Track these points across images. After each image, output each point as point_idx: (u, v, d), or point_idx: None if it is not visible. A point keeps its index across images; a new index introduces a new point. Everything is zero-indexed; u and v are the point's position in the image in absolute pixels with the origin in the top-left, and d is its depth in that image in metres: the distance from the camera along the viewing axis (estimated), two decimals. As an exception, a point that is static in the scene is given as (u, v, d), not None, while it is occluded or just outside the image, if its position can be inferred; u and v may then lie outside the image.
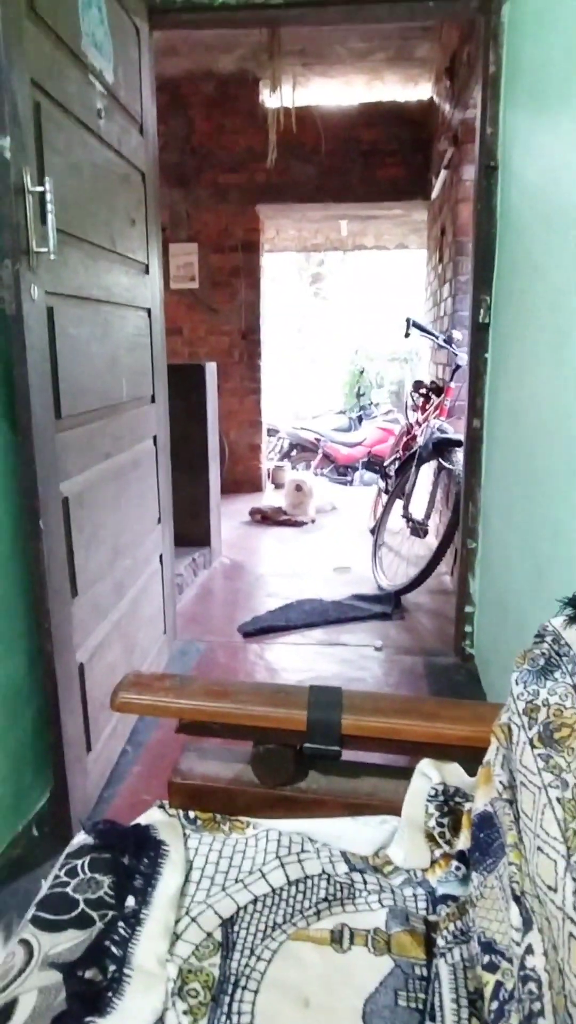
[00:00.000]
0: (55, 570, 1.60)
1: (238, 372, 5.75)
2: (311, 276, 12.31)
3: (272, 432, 7.35)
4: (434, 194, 4.67)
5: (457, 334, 3.54)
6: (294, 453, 7.58)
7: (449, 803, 0.91)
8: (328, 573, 3.81)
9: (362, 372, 9.89)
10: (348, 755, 0.98)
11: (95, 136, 1.83)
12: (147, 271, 2.35)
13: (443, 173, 4.08)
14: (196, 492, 3.80)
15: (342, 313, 12.36)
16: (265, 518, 4.99)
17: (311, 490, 4.98)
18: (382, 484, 4.45)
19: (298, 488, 4.98)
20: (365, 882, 0.87)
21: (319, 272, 12.21)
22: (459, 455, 3.17)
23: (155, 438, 2.47)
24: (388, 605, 3.23)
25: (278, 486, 6.20)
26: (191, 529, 3.74)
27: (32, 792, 1.75)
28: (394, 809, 0.95)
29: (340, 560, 4.02)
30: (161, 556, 2.57)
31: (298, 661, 2.73)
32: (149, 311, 2.37)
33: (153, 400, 2.44)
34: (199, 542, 3.83)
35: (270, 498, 5.23)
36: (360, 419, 8.17)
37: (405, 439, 4.22)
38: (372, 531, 4.31)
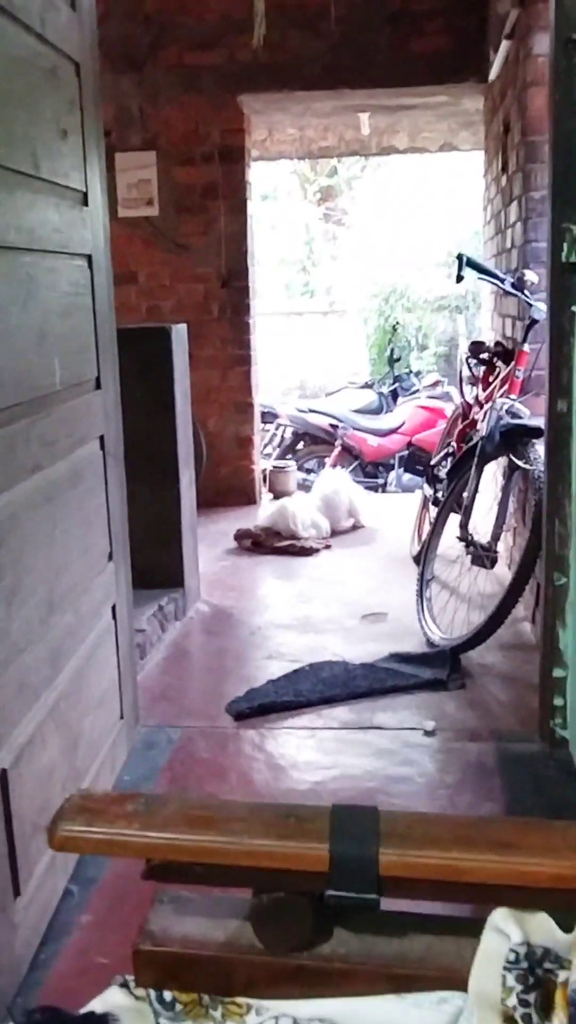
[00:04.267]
0: (-36, 637, 1.62)
1: (218, 334, 5.79)
2: (319, 191, 12.42)
3: (269, 417, 7.39)
4: (493, 73, 4.73)
5: (532, 275, 3.57)
6: (300, 446, 7.63)
7: (535, 971, 0.92)
8: (353, 623, 3.83)
9: (396, 328, 9.96)
10: (388, 903, 0.99)
11: (6, 15, 1.87)
12: (85, 202, 2.38)
13: (504, 45, 4.13)
14: (161, 510, 3.82)
15: (366, 244, 12.45)
16: (257, 544, 5.02)
17: (295, 514, 5.07)
18: (429, 491, 4.48)
19: (281, 512, 5.09)
20: None
21: (331, 186, 12.32)
22: (539, 449, 3.20)
23: (102, 439, 2.50)
24: (442, 668, 3.25)
25: (279, 495, 6.22)
26: (156, 563, 3.75)
27: None
28: (457, 982, 0.95)
29: (370, 603, 4.04)
30: (114, 607, 2.59)
31: (313, 754, 2.75)
32: (90, 258, 2.41)
33: (99, 385, 2.47)
34: (168, 581, 3.86)
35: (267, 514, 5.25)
36: (395, 395, 8.23)
37: (461, 425, 4.25)
38: (417, 559, 4.33)
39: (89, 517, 2.37)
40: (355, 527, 5.46)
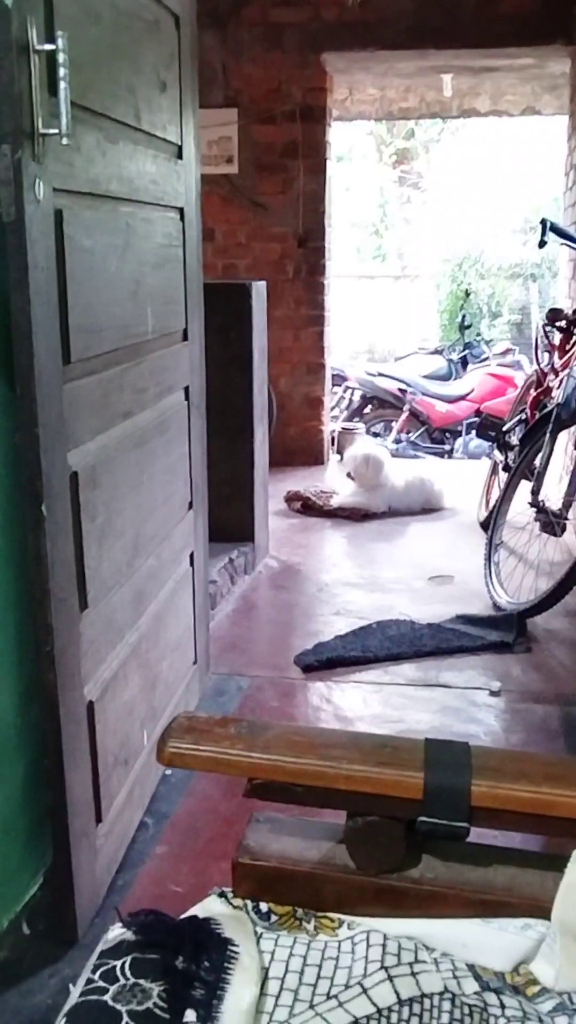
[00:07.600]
0: (60, 573, 1.68)
1: (292, 294, 5.80)
2: (394, 154, 12.27)
3: (338, 379, 7.41)
4: (583, 36, 4.64)
5: (616, 243, 3.53)
6: (368, 410, 7.65)
7: (618, 904, 0.95)
8: (421, 584, 3.86)
9: (468, 294, 9.86)
10: (475, 835, 1.02)
11: (116, -32, 1.90)
12: (180, 155, 2.42)
13: (598, 6, 4.05)
14: (235, 465, 3.87)
15: (441, 209, 12.31)
16: (308, 507, 4.99)
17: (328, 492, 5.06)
18: (499, 457, 4.47)
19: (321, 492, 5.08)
20: (503, 1006, 0.92)
21: (407, 149, 12.16)
22: (616, 418, 3.18)
23: (187, 390, 2.55)
24: (509, 631, 3.27)
25: (346, 457, 6.24)
26: (228, 517, 3.81)
27: (21, 876, 1.84)
28: (540, 910, 0.99)
29: (437, 566, 4.06)
30: (192, 555, 2.65)
31: (380, 708, 2.79)
32: (182, 211, 2.44)
33: (186, 337, 2.52)
34: (238, 536, 3.91)
35: (331, 475, 5.22)
36: (464, 362, 8.18)
37: (535, 393, 4.22)
38: (484, 524, 4.33)
39: (173, 465, 2.42)
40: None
